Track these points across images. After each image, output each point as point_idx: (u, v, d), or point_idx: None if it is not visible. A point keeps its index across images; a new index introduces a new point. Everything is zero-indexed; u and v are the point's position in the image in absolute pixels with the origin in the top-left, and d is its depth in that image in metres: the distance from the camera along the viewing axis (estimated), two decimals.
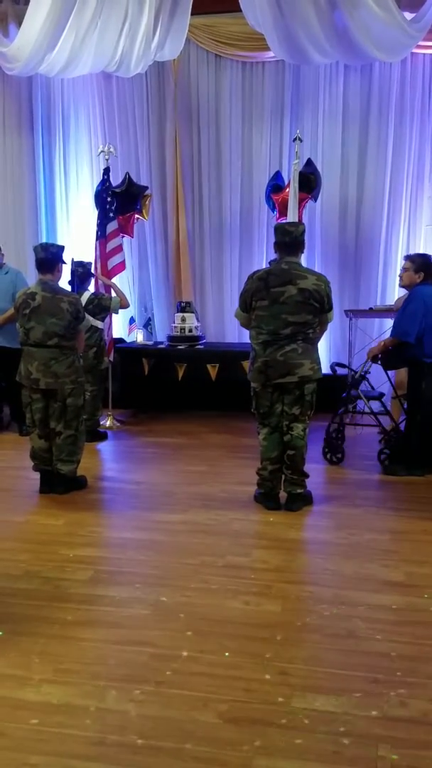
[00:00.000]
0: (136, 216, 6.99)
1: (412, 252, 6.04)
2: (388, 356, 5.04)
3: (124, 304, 6.26)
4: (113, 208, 6.50)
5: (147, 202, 7.05)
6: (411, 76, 7.10)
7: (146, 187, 7.08)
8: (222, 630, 2.82)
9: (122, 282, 7.59)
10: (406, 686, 2.43)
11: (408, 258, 5.09)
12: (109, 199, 6.46)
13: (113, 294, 6.25)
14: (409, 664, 2.57)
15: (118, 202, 6.70)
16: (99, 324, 5.99)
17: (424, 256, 5.09)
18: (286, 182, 6.67)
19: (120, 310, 6.34)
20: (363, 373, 5.30)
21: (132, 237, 7.18)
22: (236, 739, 2.15)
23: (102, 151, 6.61)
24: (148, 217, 7.13)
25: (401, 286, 5.15)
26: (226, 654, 2.64)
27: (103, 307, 6.01)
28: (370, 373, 5.34)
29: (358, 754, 2.08)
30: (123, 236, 6.97)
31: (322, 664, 2.58)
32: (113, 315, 6.38)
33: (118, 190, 6.76)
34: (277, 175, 6.93)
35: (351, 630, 2.82)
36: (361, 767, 2.03)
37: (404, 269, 5.04)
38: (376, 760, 2.06)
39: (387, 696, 2.37)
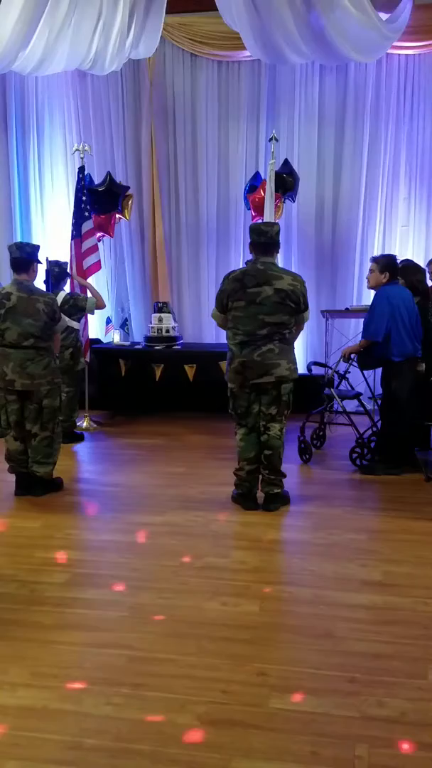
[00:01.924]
0: (117, 216, 6.96)
1: (387, 252, 6.09)
2: (361, 357, 5.08)
3: (100, 305, 6.22)
4: (88, 207, 6.46)
5: (129, 203, 7.02)
6: (386, 76, 7.15)
7: (128, 187, 7.05)
8: (200, 631, 2.81)
9: (99, 282, 7.55)
10: (384, 686, 2.43)
11: (373, 259, 5.14)
12: (84, 198, 6.41)
13: (89, 294, 6.20)
14: (388, 664, 2.58)
15: (99, 201, 6.66)
16: (75, 324, 5.94)
17: (388, 256, 5.14)
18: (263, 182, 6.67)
19: (96, 311, 6.30)
20: (342, 373, 5.32)
21: (112, 237, 7.14)
22: (215, 742, 2.14)
23: (77, 150, 6.57)
24: (129, 218, 7.10)
25: (369, 287, 5.19)
26: (205, 656, 2.62)
27: (78, 307, 5.97)
28: (350, 372, 5.36)
29: (336, 755, 2.08)
30: (103, 236, 6.94)
31: (300, 664, 2.58)
32: (89, 315, 6.34)
33: (99, 189, 6.72)
34: (257, 176, 6.94)
35: (329, 630, 2.82)
36: (340, 767, 2.03)
37: (370, 271, 5.08)
38: (353, 760, 2.06)
39: (365, 696, 2.37)
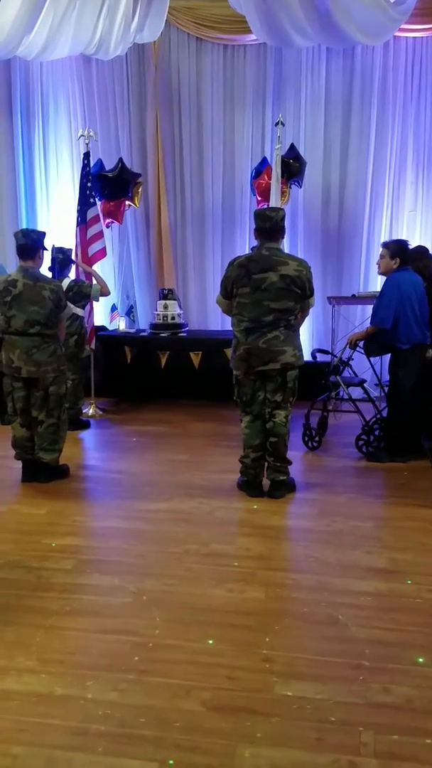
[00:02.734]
0: (127, 203, 6.93)
1: (395, 238, 6.04)
2: (368, 344, 5.05)
3: (105, 292, 6.19)
4: (93, 193, 6.43)
5: (139, 190, 6.99)
6: (394, 59, 7.06)
7: (139, 174, 7.02)
8: (205, 618, 2.82)
9: (106, 269, 7.53)
10: (389, 673, 2.44)
11: (384, 245, 5.08)
12: (89, 184, 6.38)
13: (94, 281, 6.18)
14: (392, 651, 2.58)
15: (109, 187, 6.62)
16: (79, 311, 5.92)
17: (399, 242, 5.08)
18: (271, 167, 6.62)
19: (101, 298, 6.28)
20: (345, 360, 5.30)
21: (121, 224, 7.12)
22: (219, 728, 2.15)
23: (82, 135, 6.52)
24: (139, 205, 7.07)
25: (379, 273, 5.14)
26: (210, 642, 2.64)
27: (83, 294, 5.94)
28: (353, 359, 5.34)
29: (342, 741, 2.09)
30: (112, 222, 6.91)
31: (305, 651, 2.58)
32: (94, 302, 6.32)
33: (109, 175, 6.68)
34: (263, 161, 6.88)
35: (334, 617, 2.83)
36: (345, 754, 2.04)
37: (381, 256, 5.03)
38: (359, 747, 2.06)
39: (370, 682, 2.38)
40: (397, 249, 4.94)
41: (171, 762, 2.00)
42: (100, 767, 2.00)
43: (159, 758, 2.02)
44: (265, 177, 6.68)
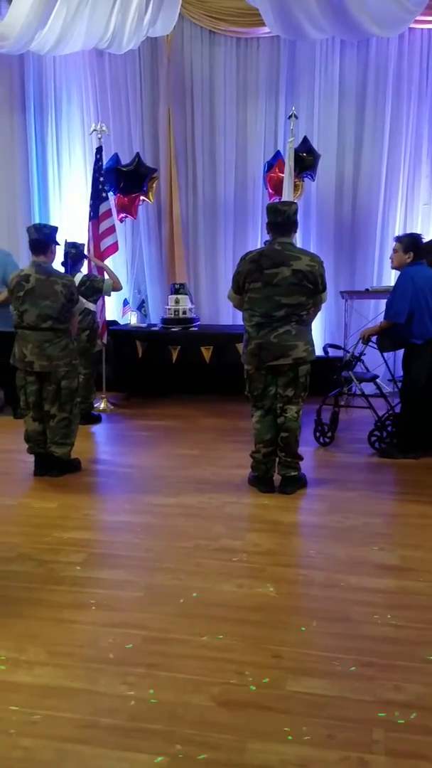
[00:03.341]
0: (141, 197, 6.92)
1: (409, 231, 5.99)
2: (381, 339, 5.02)
3: (117, 287, 6.20)
4: (105, 188, 6.43)
5: (154, 185, 6.99)
6: (409, 51, 7.01)
7: (155, 170, 7.02)
8: (215, 613, 2.81)
9: (118, 264, 7.54)
10: (400, 670, 2.42)
11: (397, 239, 5.04)
12: (101, 179, 6.38)
13: (106, 276, 6.18)
14: (404, 648, 2.56)
15: (125, 182, 6.61)
16: (91, 306, 5.93)
17: (412, 235, 5.04)
18: (283, 161, 6.59)
19: (113, 293, 6.28)
20: (357, 355, 5.27)
21: (135, 218, 7.11)
22: (229, 723, 2.15)
23: (94, 130, 6.52)
24: (153, 200, 7.06)
25: (392, 267, 5.11)
26: (219, 637, 2.63)
27: (95, 289, 5.95)
28: (365, 354, 5.31)
29: (352, 738, 2.08)
30: (126, 216, 6.91)
31: (315, 647, 2.57)
32: (106, 297, 6.32)
33: (125, 169, 6.68)
34: (277, 155, 6.85)
35: (345, 613, 2.81)
36: (355, 751, 2.03)
37: (394, 251, 5.00)
38: (370, 744, 2.05)
39: (381, 680, 2.36)
40: (410, 243, 4.90)
41: (180, 755, 2.00)
42: (109, 760, 2.00)
43: (168, 752, 2.02)
44: (277, 170, 6.65)
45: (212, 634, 2.65)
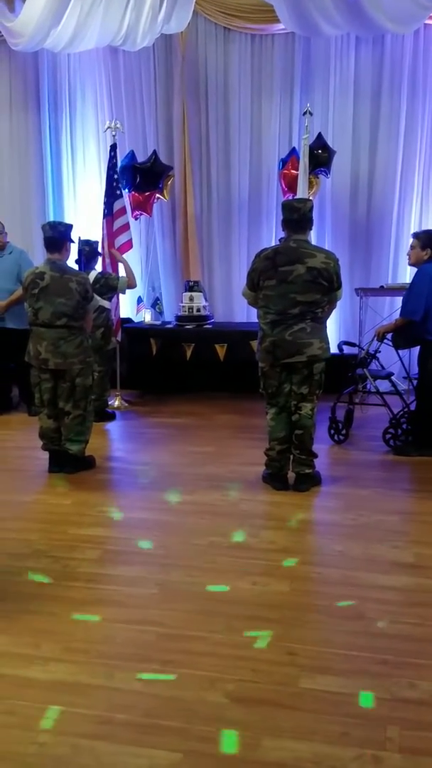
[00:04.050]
0: (157, 195, 6.94)
1: (426, 228, 5.95)
2: (397, 336, 4.99)
3: (132, 284, 6.20)
4: (120, 185, 6.44)
5: (169, 183, 6.99)
6: (424, 47, 6.95)
7: (171, 167, 7.02)
8: (229, 610, 2.82)
9: (131, 261, 7.53)
10: (414, 668, 2.41)
11: (414, 235, 5.01)
12: (115, 176, 6.39)
13: (121, 273, 6.19)
14: (418, 646, 2.56)
15: (141, 179, 6.62)
16: (106, 304, 5.94)
17: (429, 232, 5.00)
18: (298, 157, 6.57)
19: (128, 290, 6.29)
20: (372, 353, 5.25)
21: (150, 216, 7.12)
22: (243, 720, 2.15)
23: (109, 128, 6.53)
24: (168, 198, 7.07)
25: (410, 264, 5.08)
26: (234, 634, 2.63)
27: (110, 286, 5.97)
28: (380, 352, 5.29)
29: (367, 736, 2.08)
30: (141, 214, 6.93)
31: (330, 645, 2.57)
32: (120, 295, 6.33)
33: (141, 167, 6.69)
34: (292, 151, 6.83)
35: (359, 611, 2.81)
36: (370, 749, 2.02)
37: (411, 247, 4.97)
38: (384, 742, 2.05)
39: (395, 677, 2.36)
40: (427, 239, 4.87)
41: (195, 752, 2.01)
42: (125, 756, 2.01)
43: (183, 749, 2.03)
44: (290, 167, 6.63)
45: (227, 631, 2.66)
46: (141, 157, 7.00)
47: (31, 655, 2.51)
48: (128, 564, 3.26)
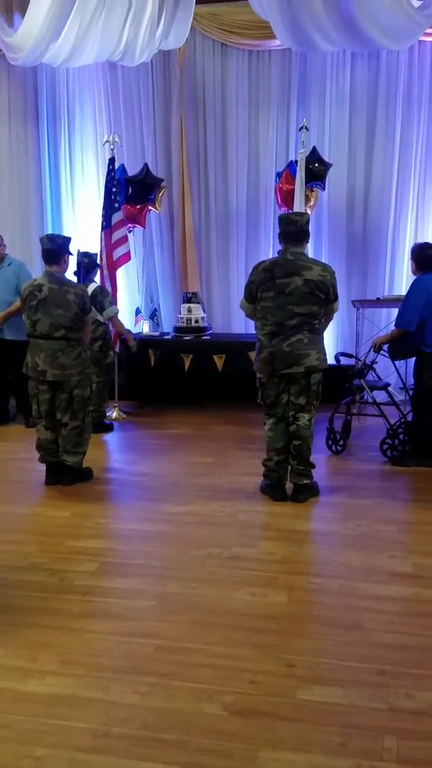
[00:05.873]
0: (149, 207, 6.97)
1: (420, 241, 5.99)
2: (393, 347, 5.02)
3: (115, 322, 6.12)
4: (118, 198, 6.48)
5: (161, 194, 7.03)
6: (419, 63, 7.01)
7: (162, 179, 7.06)
8: (228, 621, 2.81)
9: (129, 272, 7.59)
10: (412, 678, 2.41)
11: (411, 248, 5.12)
12: (114, 189, 6.43)
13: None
14: (416, 656, 2.55)
15: (133, 191, 6.66)
16: (101, 318, 5.94)
17: (417, 245, 5.09)
18: (292, 172, 6.61)
19: (125, 304, 6.26)
20: (369, 363, 5.26)
21: (144, 228, 7.16)
22: (241, 732, 2.14)
23: (107, 141, 6.58)
24: (160, 209, 7.11)
25: (413, 273, 5.14)
26: (232, 646, 2.62)
27: (101, 305, 5.90)
28: (377, 363, 5.30)
29: (364, 746, 2.07)
30: (134, 226, 6.96)
31: (328, 655, 2.56)
32: (118, 305, 6.32)
33: (134, 179, 6.73)
34: (290, 165, 6.87)
35: (358, 621, 2.80)
36: (367, 759, 2.02)
37: (411, 259, 5.05)
38: (382, 752, 2.04)
39: (393, 688, 2.35)
40: (412, 252, 4.96)
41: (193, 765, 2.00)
42: None
43: (181, 762, 2.02)
44: (283, 181, 6.68)
45: (225, 643, 2.65)
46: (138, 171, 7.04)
47: (27, 669, 2.50)
48: (126, 576, 3.25)
